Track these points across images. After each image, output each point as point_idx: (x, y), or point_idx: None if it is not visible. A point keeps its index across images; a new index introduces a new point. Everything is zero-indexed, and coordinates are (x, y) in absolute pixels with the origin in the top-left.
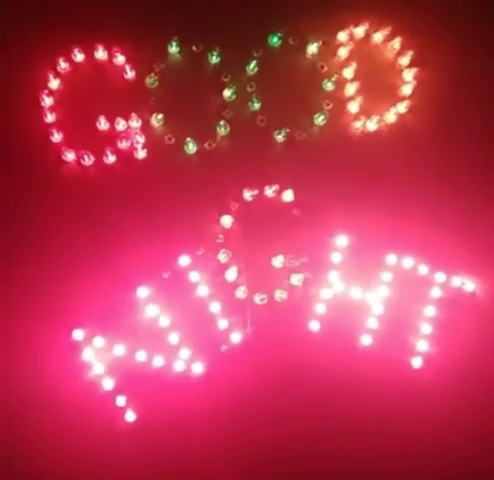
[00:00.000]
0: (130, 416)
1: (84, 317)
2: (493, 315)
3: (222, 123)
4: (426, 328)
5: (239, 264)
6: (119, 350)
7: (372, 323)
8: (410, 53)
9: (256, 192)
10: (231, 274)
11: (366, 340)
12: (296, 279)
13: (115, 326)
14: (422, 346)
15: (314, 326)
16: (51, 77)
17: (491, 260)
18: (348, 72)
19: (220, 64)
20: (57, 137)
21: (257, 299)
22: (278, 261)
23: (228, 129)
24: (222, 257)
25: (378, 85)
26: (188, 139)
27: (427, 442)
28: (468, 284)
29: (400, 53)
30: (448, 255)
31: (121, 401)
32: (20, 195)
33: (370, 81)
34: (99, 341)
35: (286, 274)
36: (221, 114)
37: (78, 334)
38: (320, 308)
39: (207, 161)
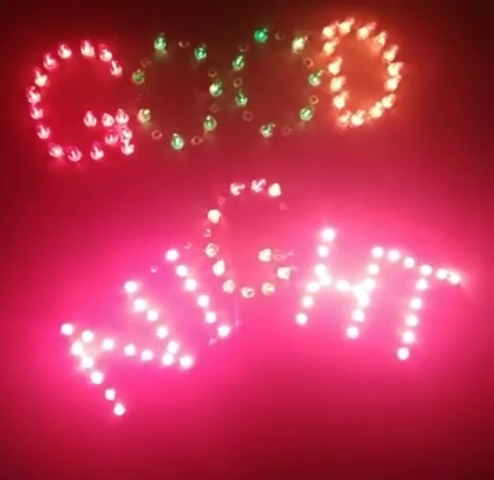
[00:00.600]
0: (119, 410)
1: (73, 311)
2: (478, 307)
3: (209, 118)
4: (412, 320)
5: (226, 258)
6: (108, 344)
7: (359, 316)
8: (395, 48)
9: (243, 187)
10: (219, 268)
11: (353, 332)
12: (283, 273)
13: (104, 320)
14: (408, 338)
15: (301, 319)
16: (38, 74)
17: (476, 252)
18: (334, 67)
19: (206, 60)
20: (44, 133)
21: (244, 293)
22: (265, 255)
23: (215, 124)
24: (210, 251)
25: (364, 80)
26: (175, 134)
27: (413, 433)
28: (453, 276)
29: (385, 48)
30: (434, 248)
31: (110, 395)
32: (8, 191)
33: (356, 76)
34: (88, 335)
35: (273, 268)
36: (208, 109)
37: (67, 328)
38: (307, 301)
39: (194, 156)
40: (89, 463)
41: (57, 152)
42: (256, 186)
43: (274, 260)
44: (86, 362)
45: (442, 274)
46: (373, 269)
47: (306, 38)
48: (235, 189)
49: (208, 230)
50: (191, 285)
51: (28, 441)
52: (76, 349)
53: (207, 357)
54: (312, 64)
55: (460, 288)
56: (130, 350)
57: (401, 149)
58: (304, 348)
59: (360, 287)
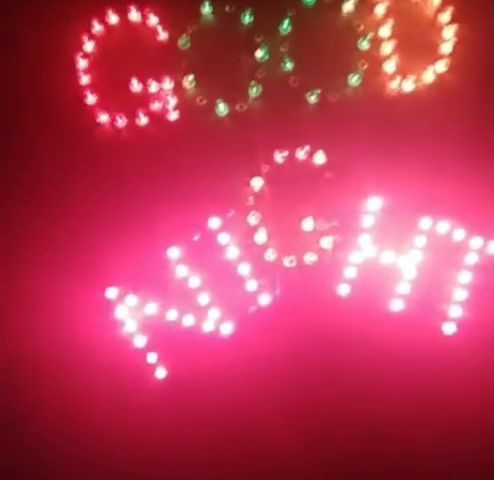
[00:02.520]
0: (161, 373)
1: (117, 276)
2: None
3: (253, 84)
4: (460, 294)
5: (269, 226)
6: (151, 308)
7: (404, 288)
8: (450, 9)
9: (287, 154)
10: (261, 236)
11: (397, 305)
12: (326, 242)
13: (147, 285)
14: (455, 312)
15: (343, 290)
16: (86, 39)
17: None
18: (385, 30)
19: (253, 24)
20: (91, 99)
21: (286, 261)
22: (308, 224)
23: (260, 90)
24: (252, 219)
25: (416, 43)
26: (219, 100)
27: (459, 410)
28: None
29: (440, 9)
30: (486, 219)
31: (152, 358)
32: (55, 156)
33: (408, 39)
34: (132, 299)
35: (316, 237)
36: (253, 75)
37: (111, 292)
38: (350, 272)
39: (238, 123)
40: (131, 423)
41: (103, 118)
42: (300, 153)
43: (317, 229)
44: (129, 325)
45: None
46: (420, 241)
47: (357, 0)
48: (279, 156)
49: (251, 198)
50: (233, 253)
51: (71, 403)
52: (120, 312)
53: (247, 325)
54: (362, 27)
55: None
56: (172, 315)
57: (455, 116)
58: (345, 320)
59: (406, 258)
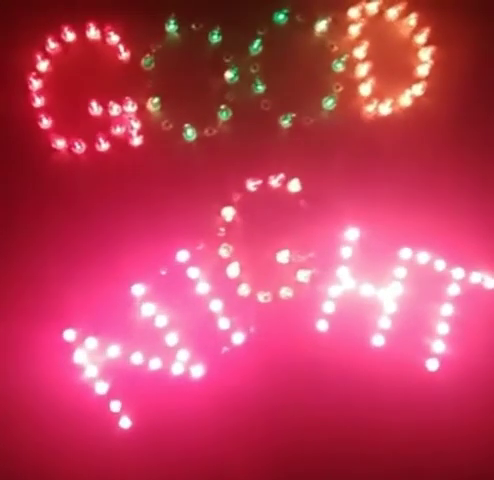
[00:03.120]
0: (125, 422)
1: (76, 316)
2: None
3: (223, 107)
4: (443, 328)
5: (241, 259)
6: (113, 352)
7: (385, 322)
8: (427, 30)
9: (260, 182)
10: (233, 270)
11: (378, 340)
12: (303, 276)
13: (109, 326)
14: (439, 347)
15: (322, 326)
16: (39, 58)
17: None
18: (360, 52)
19: (221, 44)
20: (46, 123)
21: (261, 297)
22: (283, 256)
23: (230, 114)
24: (223, 252)
25: (392, 65)
26: (187, 125)
27: (444, 450)
28: (488, 280)
29: (416, 30)
30: (467, 249)
31: (115, 407)
32: (6, 186)
33: (383, 61)
34: (92, 342)
35: (292, 270)
36: (222, 98)
37: (69, 334)
38: (329, 306)
39: (207, 149)
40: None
41: (60, 143)
42: (274, 181)
43: (293, 262)
44: (90, 371)
45: (476, 278)
46: (400, 272)
47: (330, 20)
48: (251, 185)
49: (222, 229)
50: (203, 288)
51: (27, 455)
52: (79, 357)
53: (220, 366)
54: (336, 48)
55: None
56: (137, 358)
57: (432, 141)
58: (325, 357)
59: (386, 291)
